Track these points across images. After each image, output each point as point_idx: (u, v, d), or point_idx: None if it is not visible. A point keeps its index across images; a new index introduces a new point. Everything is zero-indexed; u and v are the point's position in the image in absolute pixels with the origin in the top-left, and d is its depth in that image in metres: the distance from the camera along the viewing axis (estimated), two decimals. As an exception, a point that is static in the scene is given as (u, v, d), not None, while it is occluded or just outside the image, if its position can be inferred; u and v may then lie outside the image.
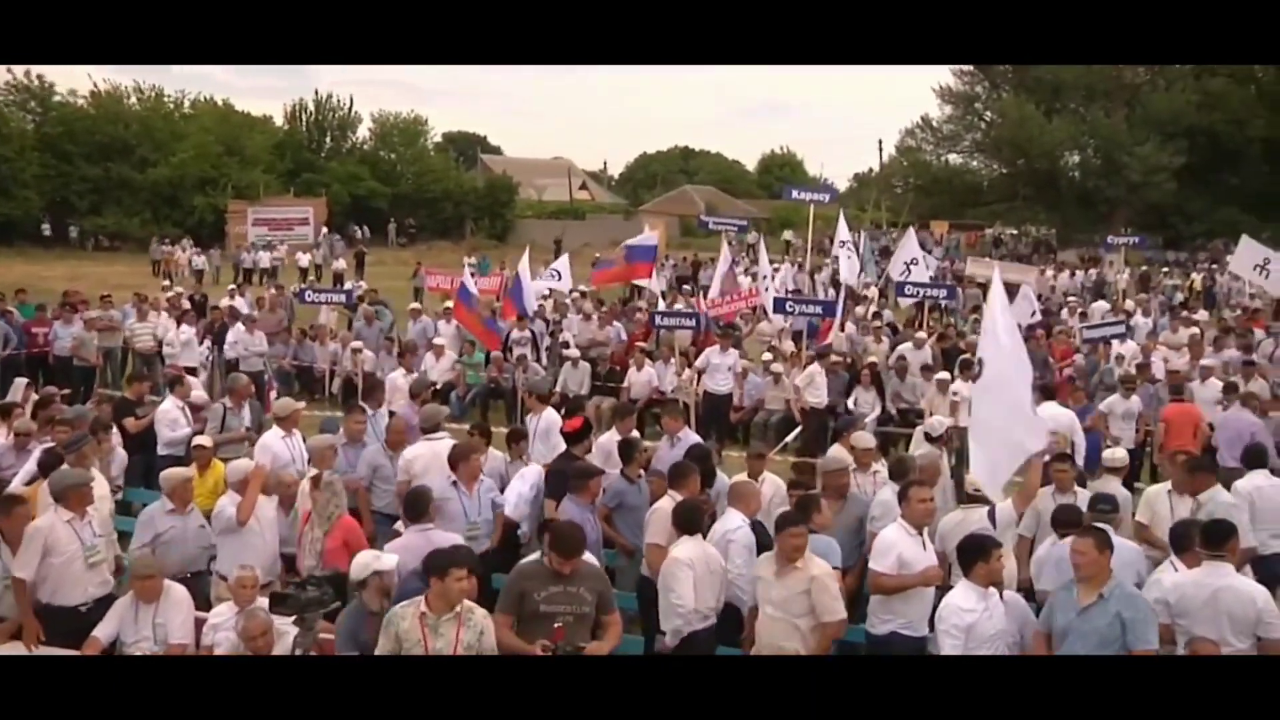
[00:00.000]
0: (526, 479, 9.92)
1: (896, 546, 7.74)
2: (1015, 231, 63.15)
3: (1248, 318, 24.09)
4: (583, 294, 25.10)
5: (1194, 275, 41.44)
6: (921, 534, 7.85)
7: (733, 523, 8.31)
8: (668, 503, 8.49)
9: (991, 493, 8.35)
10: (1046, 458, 9.02)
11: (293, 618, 6.46)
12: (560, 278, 23.92)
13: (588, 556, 7.51)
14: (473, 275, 23.31)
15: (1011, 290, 23.24)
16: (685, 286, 30.92)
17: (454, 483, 9.17)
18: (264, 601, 7.28)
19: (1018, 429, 8.11)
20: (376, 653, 6.34)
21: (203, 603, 8.51)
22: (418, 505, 8.29)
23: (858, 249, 25.96)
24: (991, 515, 8.33)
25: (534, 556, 7.19)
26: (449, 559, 6.44)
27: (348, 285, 31.93)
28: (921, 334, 19.42)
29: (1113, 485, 9.50)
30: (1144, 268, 41.37)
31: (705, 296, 24.25)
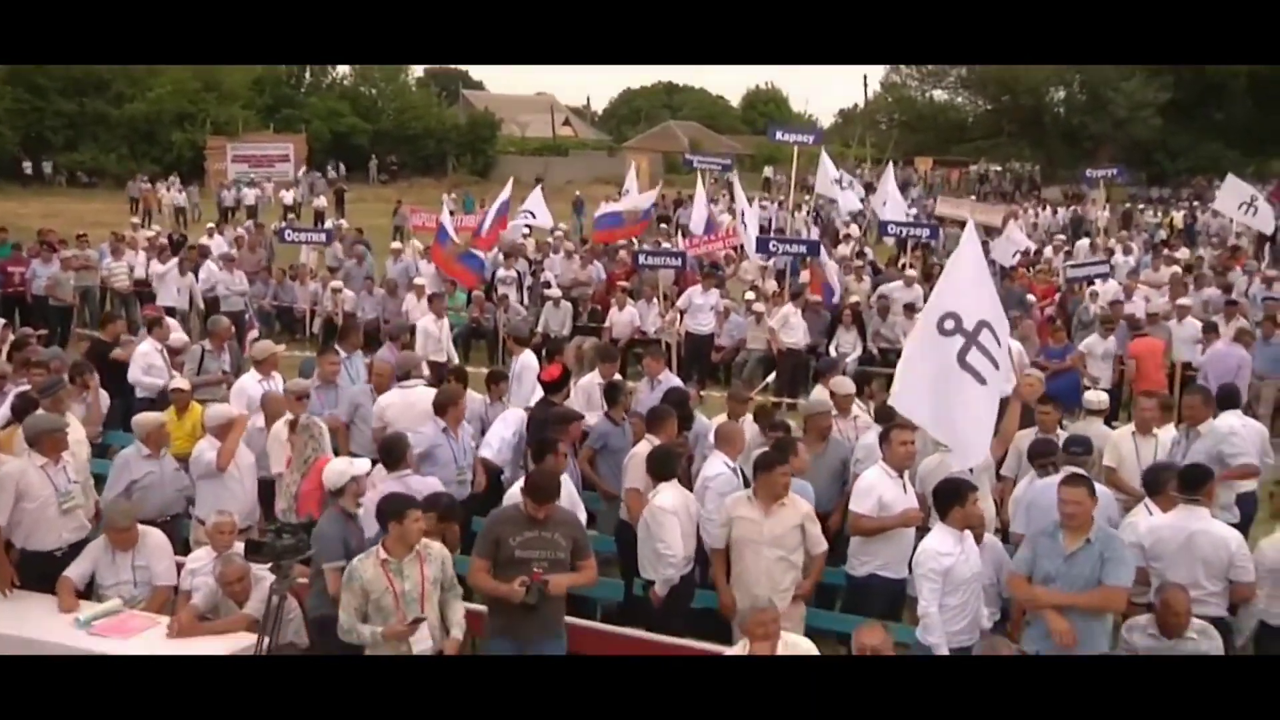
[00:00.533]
0: (509, 423, 9.89)
1: (876, 489, 7.76)
2: (999, 168, 62.86)
3: (1229, 256, 24.07)
4: (565, 234, 24.94)
5: (1174, 213, 41.37)
6: (902, 476, 7.88)
7: (714, 468, 8.31)
8: (645, 447, 8.49)
9: (973, 457, 8.09)
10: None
11: (269, 565, 6.45)
12: (535, 216, 23.66)
13: (569, 500, 7.56)
14: (453, 214, 23.15)
15: (993, 230, 23.17)
16: (663, 225, 30.67)
17: (444, 429, 9.12)
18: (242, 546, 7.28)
19: (991, 384, 7.81)
20: (341, 610, 6.37)
21: (179, 546, 8.51)
22: (394, 452, 8.26)
23: (846, 185, 25.74)
24: None
25: (510, 503, 7.17)
26: (405, 502, 6.47)
27: (327, 224, 31.59)
28: (912, 272, 19.35)
29: (1095, 427, 9.51)
30: (1125, 205, 41.21)
31: (684, 235, 24.12)
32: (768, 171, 56.08)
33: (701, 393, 15.60)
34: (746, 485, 8.02)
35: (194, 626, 7.14)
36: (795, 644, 6.25)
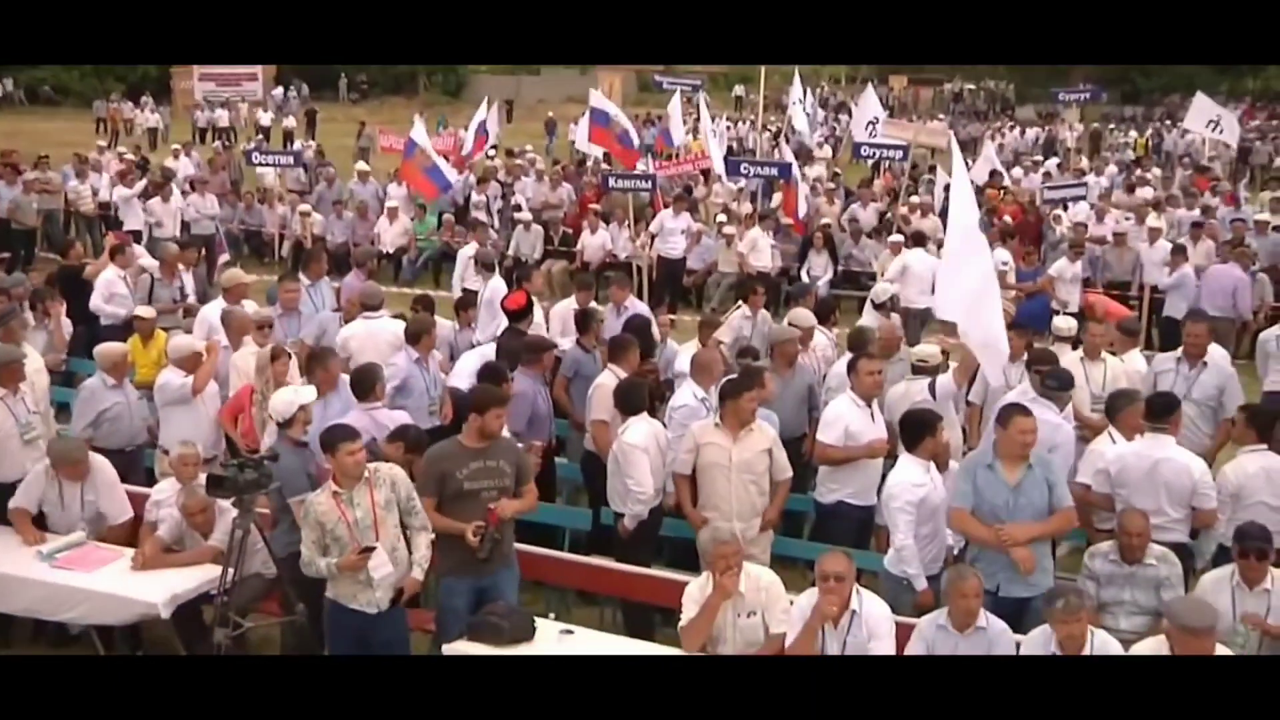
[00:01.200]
0: (481, 355, 9.80)
1: (844, 418, 7.77)
2: (973, 86, 62.44)
3: (1199, 177, 24.06)
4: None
5: (1134, 133, 41.16)
6: (870, 406, 7.88)
7: (681, 398, 8.28)
8: (609, 377, 8.43)
9: (994, 365, 8.07)
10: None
11: (230, 499, 6.42)
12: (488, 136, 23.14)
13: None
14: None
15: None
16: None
17: (416, 360, 9.03)
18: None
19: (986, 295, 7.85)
20: (302, 544, 6.34)
21: (144, 477, 8.46)
22: (365, 383, 8.20)
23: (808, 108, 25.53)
24: (932, 387, 8.32)
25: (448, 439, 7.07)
26: (340, 434, 6.36)
27: (296, 145, 31.11)
28: (868, 191, 19.35)
29: (1064, 354, 9.53)
30: (1095, 124, 40.99)
31: (652, 157, 23.88)
32: (738, 90, 55.45)
33: (673, 316, 15.64)
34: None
35: (159, 558, 7.12)
36: (758, 575, 6.25)
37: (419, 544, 6.48)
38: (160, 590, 6.78)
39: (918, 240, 15.01)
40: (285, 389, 7.62)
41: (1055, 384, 8.04)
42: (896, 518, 6.85)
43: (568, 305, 10.95)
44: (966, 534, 6.70)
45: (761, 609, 6.17)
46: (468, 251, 14.90)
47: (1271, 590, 6.37)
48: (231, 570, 6.48)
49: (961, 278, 7.59)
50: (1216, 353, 9.23)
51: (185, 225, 18.77)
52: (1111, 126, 43.14)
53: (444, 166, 19.17)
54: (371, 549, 6.19)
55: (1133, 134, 40.70)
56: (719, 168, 20.03)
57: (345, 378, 8.35)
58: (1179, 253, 14.52)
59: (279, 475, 6.75)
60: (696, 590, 6.19)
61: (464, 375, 9.55)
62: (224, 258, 18.73)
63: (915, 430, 6.99)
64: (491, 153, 23.46)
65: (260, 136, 36.55)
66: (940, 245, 16.08)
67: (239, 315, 9.80)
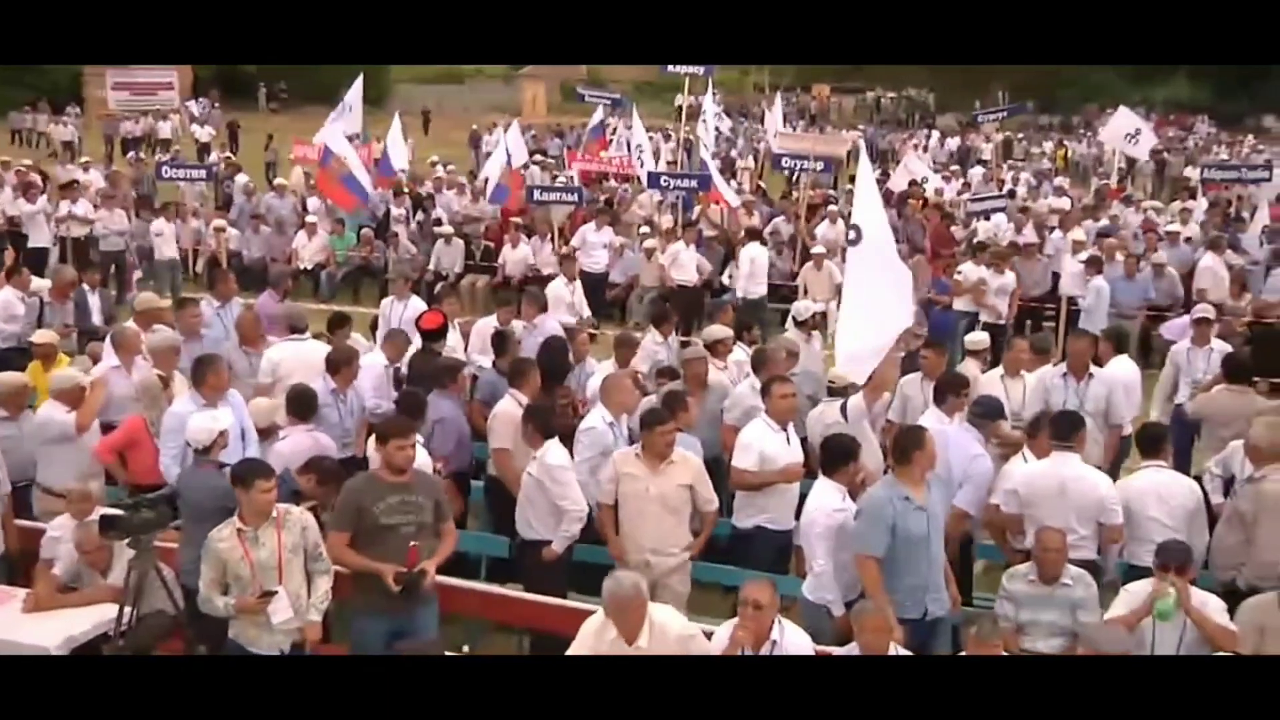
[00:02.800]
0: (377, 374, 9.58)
1: (759, 442, 7.68)
2: (894, 95, 63.13)
3: (1113, 189, 24.46)
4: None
5: (1048, 144, 41.69)
6: (785, 429, 7.80)
7: (589, 421, 8.12)
8: (510, 404, 8.26)
9: (855, 373, 8.23)
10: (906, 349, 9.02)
11: (126, 541, 6.19)
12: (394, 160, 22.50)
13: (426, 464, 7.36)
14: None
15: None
16: (537, 156, 29.66)
17: (333, 390, 8.76)
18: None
19: (891, 303, 7.92)
20: (202, 582, 6.14)
21: (29, 514, 8.14)
22: (306, 405, 8.02)
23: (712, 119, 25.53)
24: (844, 409, 8.29)
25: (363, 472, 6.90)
26: (253, 470, 6.17)
27: (210, 158, 30.47)
28: (788, 203, 19.40)
29: (971, 368, 9.56)
30: (1004, 134, 41.39)
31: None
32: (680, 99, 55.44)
33: (594, 332, 15.53)
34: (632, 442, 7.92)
35: (53, 599, 6.88)
36: (663, 625, 5.90)
37: (318, 586, 6.29)
38: (54, 633, 6.53)
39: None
40: (202, 415, 7.34)
41: (981, 411, 8.02)
42: (815, 544, 6.78)
43: (488, 323, 10.78)
44: (867, 590, 6.48)
45: (681, 648, 5.92)
46: None
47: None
48: (129, 610, 6.24)
49: (870, 285, 7.58)
50: (1112, 364, 9.36)
51: (94, 241, 18.35)
52: (1021, 137, 43.61)
53: (362, 177, 18.88)
54: (273, 593, 5.99)
55: (1046, 144, 41.14)
56: (644, 180, 19.97)
57: (235, 391, 8.23)
58: (1093, 265, 14.66)
59: (194, 504, 6.53)
60: (591, 631, 5.95)
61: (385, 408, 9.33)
62: (137, 274, 18.35)
63: (835, 456, 6.93)
64: (405, 166, 23.07)
65: (178, 149, 35.81)
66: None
67: (130, 335, 9.41)
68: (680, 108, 51.84)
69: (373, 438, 7.16)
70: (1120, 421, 8.99)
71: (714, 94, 24.68)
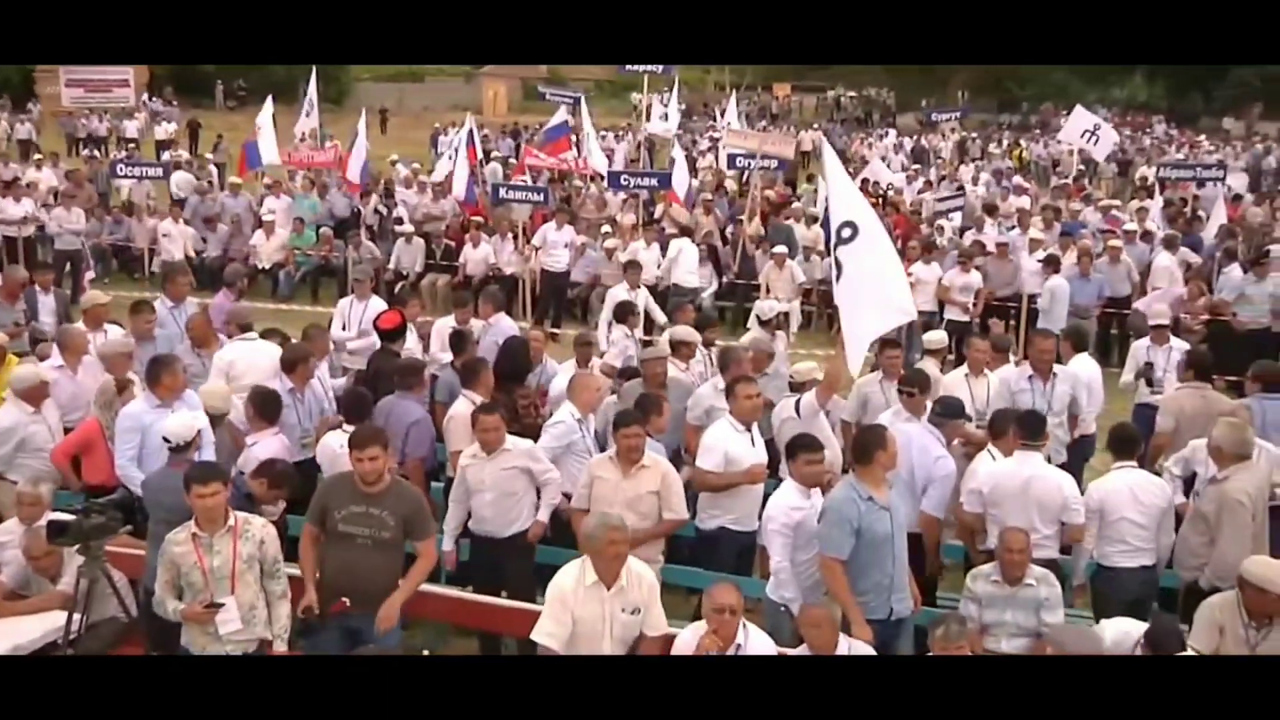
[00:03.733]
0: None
1: (723, 443, 7.60)
2: (855, 94, 63.36)
3: (1072, 188, 24.63)
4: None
5: (1004, 143, 41.88)
6: (750, 430, 7.73)
7: (560, 416, 8.11)
8: (464, 405, 8.19)
9: (852, 362, 8.02)
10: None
11: (75, 547, 6.04)
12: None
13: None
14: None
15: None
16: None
17: (290, 389, 8.63)
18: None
19: (890, 294, 7.80)
20: (157, 583, 6.02)
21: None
22: (273, 407, 7.91)
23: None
24: (798, 406, 8.23)
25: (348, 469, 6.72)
26: (195, 474, 6.00)
27: (165, 156, 30.06)
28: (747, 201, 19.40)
29: (929, 367, 9.55)
30: (959, 134, 41.56)
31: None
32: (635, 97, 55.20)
33: (555, 331, 15.47)
34: (599, 443, 7.91)
35: (0, 606, 6.71)
36: (639, 573, 5.98)
37: (279, 614, 6.12)
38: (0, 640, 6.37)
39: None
40: (181, 413, 7.23)
41: (943, 411, 7.99)
42: (773, 540, 6.74)
43: (447, 323, 10.66)
44: (834, 593, 6.44)
45: (644, 607, 5.98)
46: None
47: None
48: (79, 617, 6.10)
49: (871, 278, 7.48)
50: (1073, 362, 9.37)
51: (50, 241, 18.09)
52: (975, 136, 43.77)
53: (263, 152, 19.50)
54: (220, 605, 5.86)
55: (1002, 144, 41.17)
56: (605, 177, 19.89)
57: (191, 391, 8.14)
58: (1051, 264, 14.73)
59: (165, 506, 6.41)
60: (572, 576, 5.90)
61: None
62: (90, 275, 18.09)
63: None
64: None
65: (133, 146, 35.38)
66: (823, 255, 16.41)
67: (75, 335, 9.25)
68: (636, 106, 52.22)
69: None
70: (1085, 420, 8.98)
71: (679, 93, 24.52)
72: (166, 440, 6.89)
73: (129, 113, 41.97)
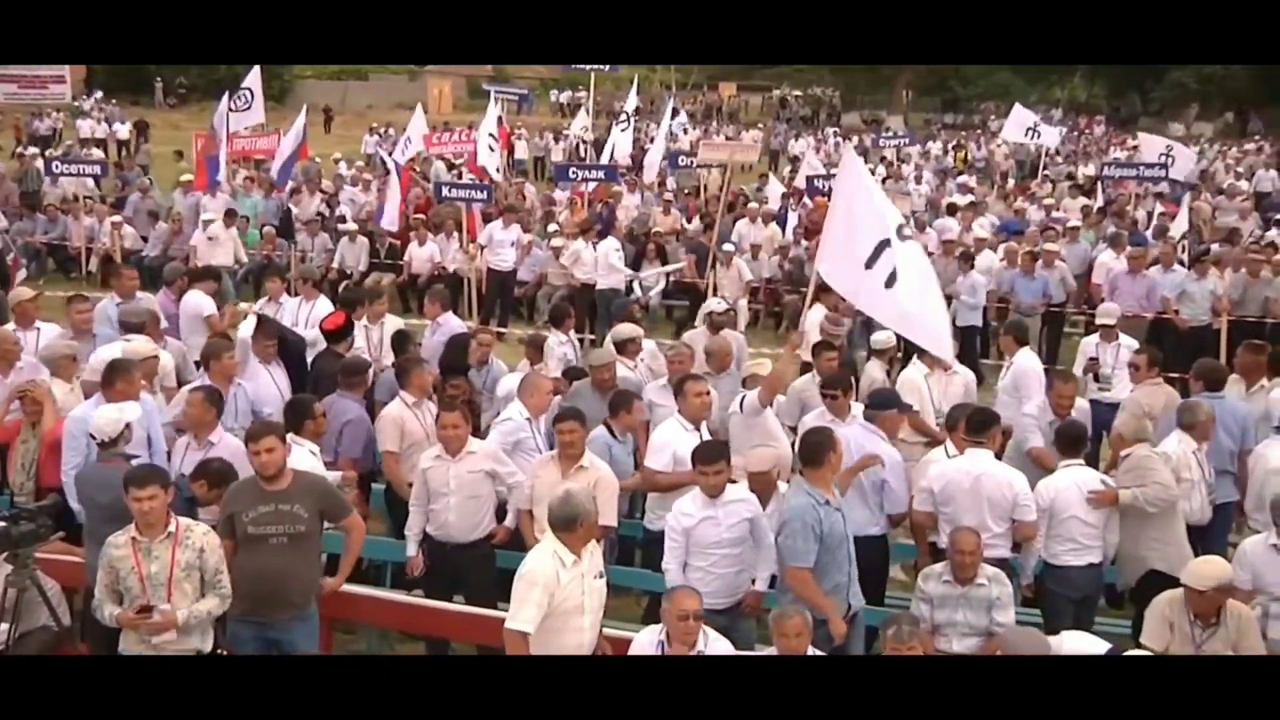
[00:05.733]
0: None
1: (671, 443, 7.53)
2: (800, 94, 63.59)
3: (1016, 186, 24.90)
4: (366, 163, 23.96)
5: (935, 144, 42.03)
6: (699, 430, 7.64)
7: (509, 414, 8.10)
8: (397, 406, 8.13)
9: (945, 353, 8.21)
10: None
11: (3, 555, 5.83)
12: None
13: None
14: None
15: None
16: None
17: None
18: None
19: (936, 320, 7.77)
20: (97, 587, 5.84)
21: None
22: (219, 404, 7.69)
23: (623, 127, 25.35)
24: (741, 403, 8.15)
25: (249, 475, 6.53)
26: (130, 478, 5.81)
27: (95, 153, 29.52)
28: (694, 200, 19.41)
29: (875, 369, 9.53)
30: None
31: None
32: (563, 96, 55.06)
33: (501, 330, 15.31)
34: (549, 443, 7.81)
35: (-77, 618, 6.47)
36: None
37: (206, 601, 5.88)
38: (-76, 652, 6.16)
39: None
40: (108, 407, 7.01)
41: (871, 403, 7.94)
42: (666, 543, 6.73)
43: (395, 323, 10.51)
44: (808, 601, 6.29)
45: (605, 571, 6.02)
46: None
47: None
48: (6, 627, 5.90)
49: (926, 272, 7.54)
50: (1018, 356, 9.38)
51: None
52: (937, 127, 44.05)
53: (222, 160, 19.04)
54: (150, 609, 5.67)
55: (933, 145, 41.14)
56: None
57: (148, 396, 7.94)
58: (965, 260, 14.83)
59: (93, 502, 6.27)
60: (548, 553, 5.75)
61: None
62: (22, 273, 17.70)
63: (698, 457, 6.82)
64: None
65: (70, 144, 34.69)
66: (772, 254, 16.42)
67: (56, 351, 8.90)
68: (563, 105, 51.91)
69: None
70: (1032, 413, 8.94)
71: (637, 90, 24.46)
72: (92, 436, 6.72)
73: (83, 112, 40.93)
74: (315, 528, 6.31)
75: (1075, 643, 6.17)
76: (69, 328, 9.78)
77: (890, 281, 7.32)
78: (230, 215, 18.20)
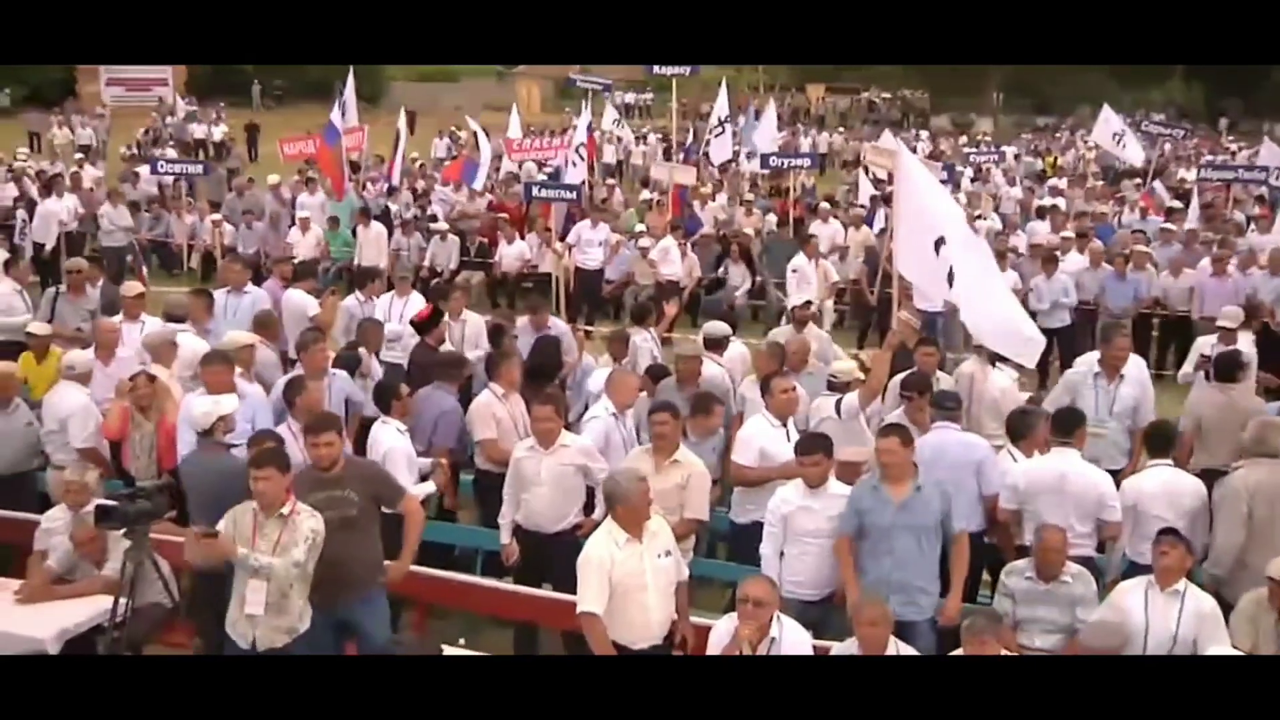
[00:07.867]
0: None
1: (758, 439, 7.65)
2: (889, 96, 63.06)
3: (1105, 189, 24.50)
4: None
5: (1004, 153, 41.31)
6: (785, 425, 7.75)
7: (596, 411, 8.22)
8: (487, 395, 8.35)
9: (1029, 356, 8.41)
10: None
11: (121, 531, 6.13)
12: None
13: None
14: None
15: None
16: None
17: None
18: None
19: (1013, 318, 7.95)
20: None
21: (35, 502, 8.10)
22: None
23: (732, 127, 25.41)
24: (838, 406, 8.25)
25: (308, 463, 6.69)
26: (253, 458, 6.07)
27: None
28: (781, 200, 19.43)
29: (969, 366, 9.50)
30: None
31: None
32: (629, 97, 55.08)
33: (589, 329, 15.49)
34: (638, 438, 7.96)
35: (45, 590, 6.83)
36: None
37: (273, 560, 5.93)
38: (47, 624, 6.49)
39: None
40: (204, 399, 7.30)
41: (951, 403, 7.96)
42: (765, 528, 6.92)
43: (475, 319, 10.76)
44: (840, 564, 6.69)
45: (674, 548, 6.19)
46: None
47: (1183, 594, 6.36)
48: (124, 602, 6.20)
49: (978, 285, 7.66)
50: (1133, 365, 9.23)
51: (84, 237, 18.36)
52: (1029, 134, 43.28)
53: (344, 161, 19.44)
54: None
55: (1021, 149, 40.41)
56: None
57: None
58: (1049, 262, 14.63)
59: (194, 487, 6.52)
60: (603, 537, 6.03)
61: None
62: (144, 271, 18.29)
63: (799, 448, 7.03)
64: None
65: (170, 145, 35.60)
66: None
67: (104, 329, 9.39)
68: (628, 106, 51.85)
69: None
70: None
71: (724, 101, 24.43)
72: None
73: (194, 116, 41.93)
74: (370, 511, 6.45)
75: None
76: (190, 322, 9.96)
77: (950, 279, 7.43)
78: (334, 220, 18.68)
